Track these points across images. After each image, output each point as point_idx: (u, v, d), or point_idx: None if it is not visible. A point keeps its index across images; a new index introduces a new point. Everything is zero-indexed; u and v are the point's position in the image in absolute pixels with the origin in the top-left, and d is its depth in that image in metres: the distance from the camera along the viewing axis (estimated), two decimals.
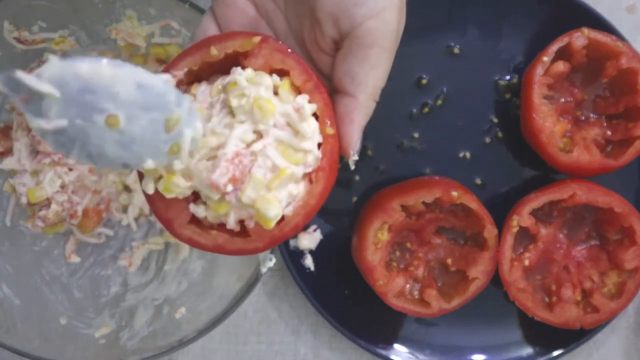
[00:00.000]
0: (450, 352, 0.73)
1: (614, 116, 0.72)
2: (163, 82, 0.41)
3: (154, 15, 0.66)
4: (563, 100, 0.72)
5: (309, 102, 0.44)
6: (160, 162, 0.42)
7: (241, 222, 0.45)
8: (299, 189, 0.45)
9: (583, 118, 0.73)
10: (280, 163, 0.43)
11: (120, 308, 0.70)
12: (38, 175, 0.68)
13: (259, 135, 0.44)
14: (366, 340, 0.72)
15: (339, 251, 0.73)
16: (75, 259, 0.71)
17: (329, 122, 0.45)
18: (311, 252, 0.72)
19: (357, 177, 0.74)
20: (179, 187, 0.44)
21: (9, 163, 0.68)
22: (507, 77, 0.74)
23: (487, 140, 0.74)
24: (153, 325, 0.68)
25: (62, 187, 0.68)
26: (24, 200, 0.68)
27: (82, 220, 0.69)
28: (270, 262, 0.65)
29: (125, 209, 0.71)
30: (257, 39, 0.44)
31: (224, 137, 0.43)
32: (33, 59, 0.68)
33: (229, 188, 0.43)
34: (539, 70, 0.68)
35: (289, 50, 0.45)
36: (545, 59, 0.68)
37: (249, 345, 0.74)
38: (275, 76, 0.45)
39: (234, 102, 0.43)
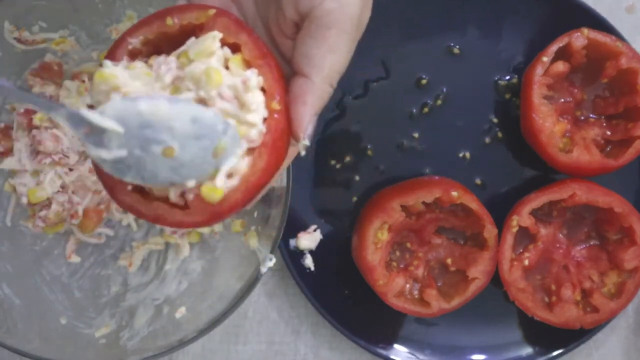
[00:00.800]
0: (450, 352, 0.73)
1: (613, 116, 0.72)
2: (213, 114, 0.42)
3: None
4: (563, 100, 0.72)
5: (258, 76, 0.44)
6: (201, 181, 0.43)
7: (183, 195, 0.45)
8: (242, 164, 0.44)
9: (583, 118, 0.73)
10: None
11: (121, 308, 0.70)
12: (38, 176, 0.68)
13: (204, 104, 0.43)
14: (366, 340, 0.72)
15: (339, 251, 0.73)
16: (75, 259, 0.71)
17: (278, 98, 0.44)
18: (311, 252, 0.72)
19: (357, 177, 0.74)
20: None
21: (9, 163, 0.68)
22: (507, 77, 0.74)
23: (487, 140, 0.74)
24: (153, 325, 0.68)
25: (63, 187, 0.68)
26: (24, 200, 0.68)
27: (83, 220, 0.69)
28: (270, 262, 0.65)
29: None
30: (212, 11, 0.44)
31: None
32: (33, 59, 0.68)
33: None
34: (539, 70, 0.68)
35: (245, 25, 0.44)
36: (545, 59, 0.68)
37: (249, 345, 0.74)
38: (226, 49, 0.44)
39: (184, 70, 0.43)
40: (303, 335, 0.75)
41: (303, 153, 0.46)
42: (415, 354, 0.72)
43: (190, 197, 0.44)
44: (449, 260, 0.71)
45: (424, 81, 0.74)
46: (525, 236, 0.71)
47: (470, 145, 0.74)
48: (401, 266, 0.71)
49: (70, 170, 0.67)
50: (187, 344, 0.64)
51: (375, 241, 0.68)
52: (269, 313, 0.75)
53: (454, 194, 0.67)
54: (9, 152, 0.68)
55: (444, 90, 0.74)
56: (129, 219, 0.70)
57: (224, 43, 0.44)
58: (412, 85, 0.74)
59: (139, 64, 0.45)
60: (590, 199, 0.68)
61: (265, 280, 0.74)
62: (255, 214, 0.69)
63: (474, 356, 0.73)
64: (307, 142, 0.45)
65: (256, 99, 0.43)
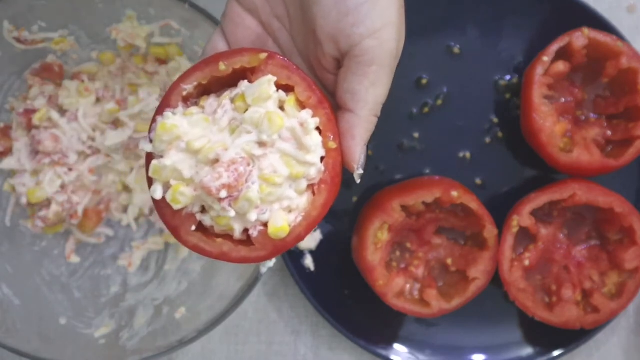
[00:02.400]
0: (450, 352, 0.73)
1: (614, 116, 0.72)
2: None
3: (154, 15, 0.66)
4: (563, 100, 0.72)
5: (313, 116, 0.46)
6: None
7: (246, 232, 0.47)
8: (302, 200, 0.47)
9: (583, 118, 0.73)
10: (283, 172, 0.45)
11: (120, 308, 0.70)
12: (38, 176, 0.68)
13: (263, 147, 0.45)
14: (366, 340, 0.72)
15: (339, 251, 0.73)
16: (75, 259, 0.71)
17: (331, 137, 0.46)
18: (311, 252, 0.72)
19: None
20: (185, 196, 0.45)
21: (9, 163, 0.68)
22: (507, 77, 0.74)
23: (487, 140, 0.74)
24: (153, 325, 0.68)
25: (62, 187, 0.68)
26: (24, 200, 0.68)
27: (82, 220, 0.69)
28: (270, 262, 0.65)
29: (125, 209, 0.71)
30: (264, 55, 0.46)
31: (228, 146, 0.45)
32: (33, 59, 0.68)
33: (223, 194, 0.44)
34: (539, 70, 0.68)
35: (295, 66, 0.46)
36: (545, 58, 0.68)
37: (249, 345, 0.74)
38: (281, 92, 0.46)
39: (245, 114, 0.45)
40: (303, 335, 0.75)
41: (358, 181, 0.48)
42: (415, 354, 0.72)
43: (254, 233, 0.46)
44: (449, 261, 0.71)
45: (424, 81, 0.74)
46: (526, 236, 0.71)
47: (471, 145, 0.74)
48: (401, 266, 0.71)
49: (70, 170, 0.67)
50: (187, 344, 0.64)
51: (375, 241, 0.68)
52: (269, 313, 0.75)
53: (454, 194, 0.67)
54: (8, 152, 0.68)
55: (445, 90, 0.74)
56: (129, 219, 0.70)
57: (277, 86, 0.46)
58: (412, 85, 0.74)
59: (194, 110, 0.46)
60: (591, 199, 0.68)
61: (265, 280, 0.74)
62: None
63: (474, 356, 0.73)
64: (361, 171, 0.47)
65: (314, 140, 0.46)
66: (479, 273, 0.68)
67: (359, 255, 0.69)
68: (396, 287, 0.68)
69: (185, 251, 0.70)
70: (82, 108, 0.67)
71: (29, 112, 0.67)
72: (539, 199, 0.69)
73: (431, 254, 0.72)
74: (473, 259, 0.69)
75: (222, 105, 0.46)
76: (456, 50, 0.74)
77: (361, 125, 0.47)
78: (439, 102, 0.74)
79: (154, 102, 0.66)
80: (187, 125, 0.45)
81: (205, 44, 0.51)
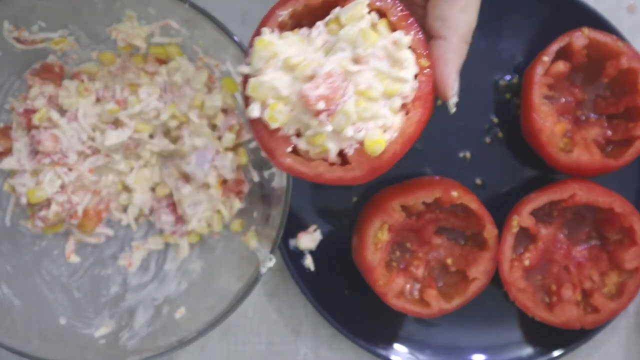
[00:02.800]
0: (450, 352, 0.73)
1: (614, 116, 0.72)
2: None
3: (154, 15, 0.66)
4: (563, 100, 0.72)
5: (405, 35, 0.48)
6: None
7: (341, 155, 0.48)
8: (397, 119, 0.48)
9: (583, 118, 0.73)
10: (378, 88, 0.47)
11: (120, 308, 0.70)
12: (38, 176, 0.68)
13: (358, 63, 0.47)
14: (366, 340, 0.72)
15: (339, 251, 0.73)
16: (75, 259, 0.71)
17: (425, 53, 0.48)
18: (311, 252, 0.72)
19: None
20: (282, 114, 0.46)
21: (8, 163, 0.68)
22: (507, 77, 0.74)
23: (487, 140, 0.74)
24: (153, 325, 0.68)
25: (62, 187, 0.68)
26: (23, 200, 0.68)
27: (82, 220, 0.69)
28: (270, 262, 0.65)
29: (125, 209, 0.71)
30: None
31: (323, 62, 0.47)
32: (33, 59, 0.68)
33: (321, 105, 0.46)
34: (539, 70, 0.68)
35: None
36: (545, 58, 0.68)
37: (249, 345, 0.74)
38: (374, 14, 0.48)
39: (340, 31, 0.47)
40: (303, 335, 0.75)
41: (453, 110, 0.50)
42: (415, 354, 0.72)
43: (350, 152, 0.48)
44: (449, 261, 0.71)
45: None
46: (526, 236, 0.71)
47: (471, 145, 0.74)
48: (401, 266, 0.71)
49: (70, 170, 0.67)
50: (187, 344, 0.64)
51: (375, 241, 0.68)
52: (269, 313, 0.75)
53: (454, 194, 0.67)
54: (8, 152, 0.68)
55: None
56: (129, 219, 0.70)
57: (369, 9, 0.48)
58: None
59: (288, 34, 0.48)
60: (591, 199, 0.68)
61: (265, 280, 0.74)
62: (255, 214, 0.69)
63: (474, 356, 0.73)
64: (456, 99, 0.49)
65: (407, 56, 0.47)
66: (479, 273, 0.68)
67: (359, 255, 0.69)
68: (396, 287, 0.68)
69: (185, 251, 0.70)
70: (82, 108, 0.67)
71: (29, 112, 0.67)
72: (539, 199, 0.69)
73: (431, 254, 0.72)
74: (473, 259, 0.69)
75: (316, 27, 0.48)
76: None
77: (453, 51, 0.48)
78: (439, 102, 0.74)
79: (154, 102, 0.66)
80: (283, 45, 0.47)
81: None
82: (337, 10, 0.48)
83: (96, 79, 0.69)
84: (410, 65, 0.47)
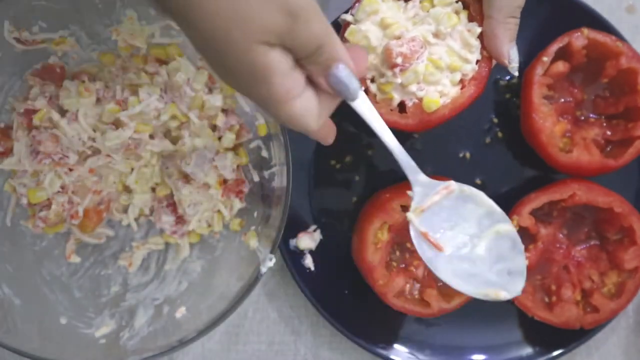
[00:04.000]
0: (450, 352, 0.73)
1: (613, 116, 0.72)
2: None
3: (154, 16, 0.66)
4: (563, 100, 0.72)
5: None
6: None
7: (401, 105, 0.61)
8: (453, 90, 0.61)
9: (583, 118, 0.73)
10: (447, 60, 0.60)
11: (121, 308, 0.70)
12: (38, 176, 0.68)
13: (437, 38, 0.60)
14: (366, 340, 0.72)
15: (339, 251, 0.73)
16: (75, 258, 0.71)
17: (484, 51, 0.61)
18: (311, 252, 0.72)
19: (357, 177, 0.74)
20: (367, 38, 0.60)
21: (9, 163, 0.68)
22: (507, 77, 0.74)
23: (487, 140, 0.74)
24: (153, 325, 0.68)
25: (63, 187, 0.68)
26: (24, 200, 0.68)
27: (83, 220, 0.69)
28: (270, 262, 0.65)
29: (125, 209, 0.71)
30: None
31: (410, 29, 0.60)
32: (33, 60, 0.68)
33: (399, 60, 0.58)
34: (539, 70, 0.68)
35: None
36: (545, 59, 0.68)
37: (249, 345, 0.74)
38: (460, 4, 0.61)
39: (431, 9, 0.60)
40: (303, 335, 0.75)
41: (516, 74, 0.61)
42: (415, 354, 0.72)
43: (409, 103, 0.61)
44: None
45: None
46: (526, 236, 0.71)
47: (471, 145, 0.74)
48: (401, 266, 0.71)
49: (70, 170, 0.67)
50: (187, 344, 0.64)
51: (375, 241, 0.68)
52: (269, 313, 0.75)
53: None
54: (8, 152, 0.68)
55: None
56: (129, 219, 0.70)
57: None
58: None
59: (390, 0, 0.61)
60: (590, 199, 0.68)
61: (265, 280, 0.75)
62: (255, 214, 0.69)
63: (474, 356, 0.73)
64: (513, 64, 0.60)
65: (475, 44, 0.60)
66: None
67: (359, 255, 0.69)
68: (396, 287, 0.68)
69: (185, 251, 0.71)
70: (82, 108, 0.67)
71: (30, 113, 0.67)
72: (539, 199, 0.69)
73: None
74: None
75: (412, 1, 0.60)
76: None
77: (500, 26, 0.58)
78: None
79: (154, 102, 0.67)
80: (384, 7, 0.60)
81: None
82: None
83: (97, 79, 0.69)
84: (476, 51, 0.60)
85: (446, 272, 0.53)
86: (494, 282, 0.53)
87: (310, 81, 0.48)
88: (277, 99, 0.46)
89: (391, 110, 0.61)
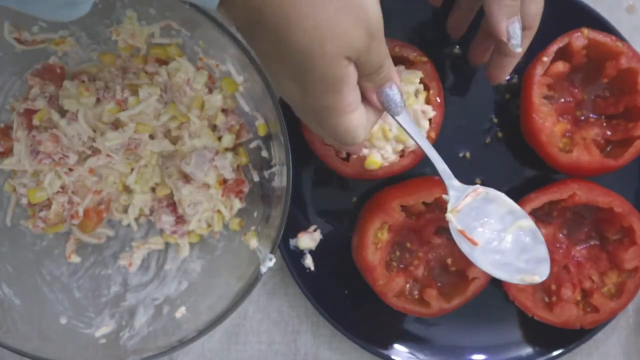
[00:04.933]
0: (450, 352, 0.73)
1: (613, 116, 0.72)
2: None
3: (154, 16, 0.66)
4: (563, 100, 0.72)
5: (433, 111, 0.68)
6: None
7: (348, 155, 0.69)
8: (393, 156, 0.67)
9: (583, 118, 0.73)
10: (394, 132, 0.66)
11: (121, 308, 0.70)
12: (38, 176, 0.68)
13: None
14: (366, 340, 0.72)
15: (339, 251, 0.73)
16: (75, 258, 0.71)
17: (432, 133, 0.68)
18: (311, 252, 0.72)
19: None
20: None
21: (9, 163, 0.68)
22: (507, 77, 0.74)
23: (487, 140, 0.74)
24: (153, 325, 0.68)
25: (63, 187, 0.68)
26: (24, 200, 0.68)
27: (83, 220, 0.69)
28: (270, 262, 0.65)
29: (125, 209, 0.71)
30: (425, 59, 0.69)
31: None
32: (33, 60, 0.68)
33: None
34: (539, 70, 0.68)
35: (437, 76, 0.69)
36: (545, 59, 0.68)
37: (249, 345, 0.74)
38: (422, 85, 0.67)
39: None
40: (303, 335, 0.75)
41: (518, 50, 0.60)
42: (415, 354, 0.72)
43: (354, 157, 0.68)
44: (449, 260, 0.71)
45: None
46: None
47: (471, 145, 0.74)
48: (401, 266, 0.71)
49: (70, 170, 0.67)
50: (187, 344, 0.64)
51: (375, 241, 0.68)
52: (269, 313, 0.75)
53: None
54: (9, 152, 0.68)
55: (445, 89, 0.74)
56: (129, 219, 0.70)
57: (420, 81, 0.68)
58: None
59: None
60: (590, 199, 0.68)
61: (265, 280, 0.75)
62: (255, 214, 0.69)
63: (474, 356, 0.73)
64: (514, 42, 0.60)
65: (425, 125, 0.68)
66: (478, 273, 0.68)
67: (359, 255, 0.69)
68: (396, 287, 0.68)
69: (185, 251, 0.71)
70: (82, 108, 0.67)
71: (30, 113, 0.67)
72: (539, 199, 0.69)
73: (431, 253, 0.72)
74: None
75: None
76: (456, 50, 0.74)
77: (494, 4, 0.58)
78: (439, 101, 0.74)
79: (154, 103, 0.67)
80: None
81: None
82: (402, 68, 0.67)
83: (97, 79, 0.69)
84: (423, 130, 0.67)
85: (484, 263, 0.60)
86: (523, 269, 0.60)
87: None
88: (342, 109, 0.51)
89: (336, 155, 0.68)
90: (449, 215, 0.60)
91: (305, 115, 0.55)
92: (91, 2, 0.47)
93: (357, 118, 0.53)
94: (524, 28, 0.61)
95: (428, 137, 0.67)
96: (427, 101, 0.67)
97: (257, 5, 0.46)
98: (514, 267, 0.60)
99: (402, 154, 0.68)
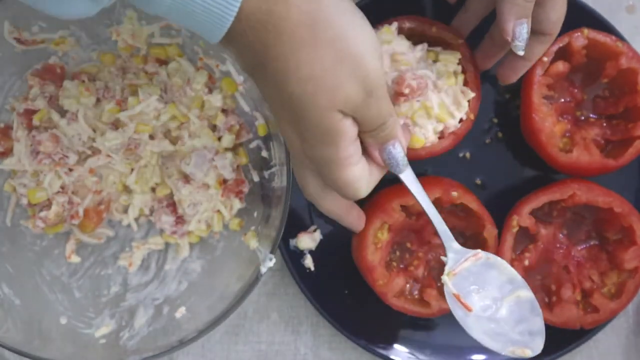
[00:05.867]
0: (450, 352, 0.73)
1: (613, 116, 0.72)
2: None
3: (154, 16, 0.66)
4: (563, 100, 0.72)
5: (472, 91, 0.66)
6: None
7: None
8: (431, 137, 0.65)
9: (583, 118, 0.73)
10: (435, 110, 0.64)
11: (121, 308, 0.70)
12: (38, 176, 0.68)
13: (434, 88, 0.64)
14: (366, 340, 0.72)
15: (339, 251, 0.73)
16: (75, 258, 0.71)
17: (470, 115, 0.66)
18: (311, 252, 0.72)
19: None
20: None
21: (9, 163, 0.68)
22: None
23: (487, 140, 0.74)
24: (153, 325, 0.68)
25: (63, 187, 0.68)
26: (24, 200, 0.68)
27: (83, 220, 0.69)
28: (270, 262, 0.65)
29: (125, 210, 0.71)
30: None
31: (415, 67, 0.64)
32: (33, 60, 0.68)
33: (407, 90, 0.61)
34: (539, 70, 0.68)
35: (472, 58, 0.67)
36: (545, 59, 0.68)
37: (249, 345, 0.74)
38: (460, 66, 0.66)
39: (435, 63, 0.65)
40: (303, 335, 0.75)
41: (520, 53, 0.59)
42: (415, 354, 0.72)
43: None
44: None
45: None
46: (525, 236, 0.71)
47: (471, 145, 0.74)
48: (401, 266, 0.71)
49: (70, 170, 0.67)
50: (187, 344, 0.64)
51: (375, 241, 0.68)
52: (269, 313, 0.75)
53: (454, 194, 0.67)
54: (8, 152, 0.68)
55: None
56: (129, 219, 0.70)
57: (459, 62, 0.67)
58: None
59: (402, 36, 0.66)
60: (590, 199, 0.68)
61: (265, 280, 0.75)
62: (255, 214, 0.69)
63: (474, 356, 0.73)
64: (518, 43, 0.59)
65: (464, 105, 0.65)
66: None
67: (359, 255, 0.69)
68: (396, 287, 0.68)
69: (185, 251, 0.71)
70: (82, 108, 0.67)
71: (30, 113, 0.67)
72: (539, 199, 0.69)
73: (431, 253, 0.72)
74: None
75: (422, 45, 0.65)
76: None
77: (505, 2, 0.57)
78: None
79: (154, 103, 0.67)
80: (396, 40, 0.64)
81: None
82: (438, 48, 0.66)
83: (97, 79, 0.69)
84: (463, 111, 0.65)
85: (476, 331, 0.58)
86: (517, 340, 0.58)
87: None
88: (339, 162, 0.51)
89: None
90: (444, 278, 0.59)
91: (300, 168, 0.55)
92: None
93: (357, 172, 0.52)
94: (542, 33, 0.60)
95: (467, 119, 0.66)
96: (465, 83, 0.66)
97: (260, 49, 0.46)
98: (507, 338, 0.58)
99: (441, 136, 0.66)
